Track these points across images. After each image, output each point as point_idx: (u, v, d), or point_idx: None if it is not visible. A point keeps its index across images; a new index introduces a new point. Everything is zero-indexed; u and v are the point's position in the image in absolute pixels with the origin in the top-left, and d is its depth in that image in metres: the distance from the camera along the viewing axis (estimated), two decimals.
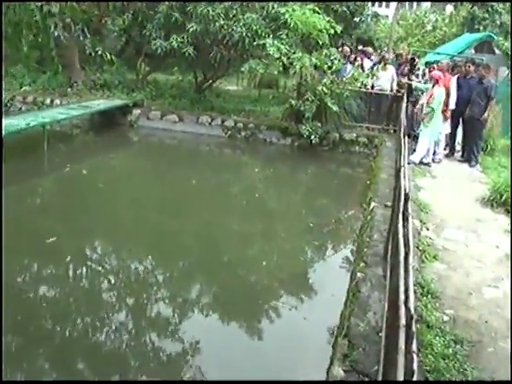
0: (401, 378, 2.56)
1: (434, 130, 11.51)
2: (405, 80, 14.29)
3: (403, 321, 2.98)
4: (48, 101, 16.60)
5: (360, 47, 20.25)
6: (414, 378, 2.51)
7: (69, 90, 17.42)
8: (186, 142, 16.11)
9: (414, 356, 2.59)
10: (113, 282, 7.42)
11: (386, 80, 15.05)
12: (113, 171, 12.81)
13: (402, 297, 3.27)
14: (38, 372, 5.34)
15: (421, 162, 11.51)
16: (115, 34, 19.39)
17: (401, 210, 4.83)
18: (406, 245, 4.00)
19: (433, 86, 11.48)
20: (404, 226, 4.39)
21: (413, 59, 14.72)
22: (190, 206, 10.47)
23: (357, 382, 4.37)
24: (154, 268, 7.92)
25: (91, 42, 14.84)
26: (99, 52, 13.55)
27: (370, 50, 17.41)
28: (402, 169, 6.51)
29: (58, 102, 16.47)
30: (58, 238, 8.22)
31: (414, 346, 2.72)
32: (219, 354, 5.71)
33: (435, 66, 12.76)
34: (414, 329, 2.83)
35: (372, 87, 15.24)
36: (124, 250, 8.52)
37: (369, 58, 16.52)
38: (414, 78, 13.54)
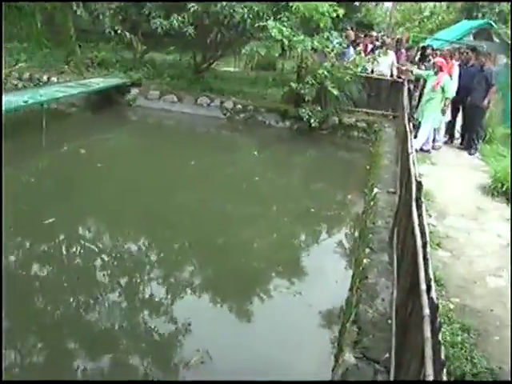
0: (430, 369, 2.56)
1: (437, 117, 11.51)
2: (410, 67, 14.24)
3: (427, 310, 2.98)
4: (45, 78, 16.42)
5: (364, 32, 20.10)
6: (444, 370, 2.52)
7: (66, 67, 17.21)
8: (185, 122, 16.02)
9: (442, 348, 2.60)
10: (108, 261, 7.42)
11: (386, 65, 15.02)
12: (111, 151, 12.73)
13: (423, 286, 3.28)
14: (28, 351, 5.34)
15: (421, 149, 11.50)
16: (111, 12, 19.11)
17: (414, 198, 4.82)
18: (423, 234, 4.00)
19: (435, 73, 11.42)
20: (419, 215, 4.38)
21: (424, 48, 14.65)
22: (188, 188, 10.44)
23: (357, 381, 4.38)
24: (148, 248, 7.93)
25: (90, 21, 14.65)
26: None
27: (374, 34, 17.32)
28: (411, 156, 6.49)
29: (54, 79, 16.29)
30: (56, 218, 8.16)
31: (441, 337, 2.73)
32: (223, 342, 5.65)
33: (438, 52, 12.74)
34: (439, 319, 2.83)
35: (372, 72, 15.21)
36: (120, 231, 8.51)
37: (372, 44, 16.47)
38: (422, 67, 13.46)
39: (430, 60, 13.41)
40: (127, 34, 14.20)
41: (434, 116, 11.44)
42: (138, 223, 8.62)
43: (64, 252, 7.64)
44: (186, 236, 8.42)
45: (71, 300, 6.31)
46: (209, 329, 5.88)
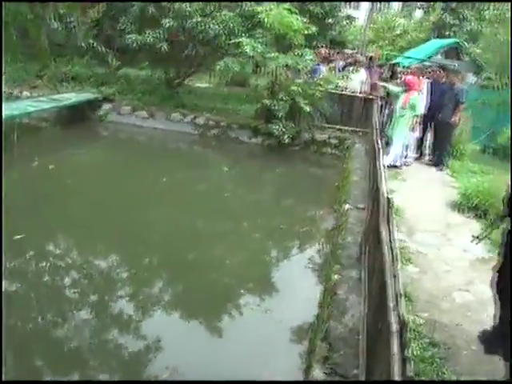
0: None
1: (407, 134, 11.67)
2: (382, 83, 14.44)
3: (395, 327, 3.00)
4: (17, 92, 16.28)
5: (336, 49, 20.36)
6: None
7: (38, 81, 17.09)
8: (157, 138, 15.96)
9: (412, 363, 2.62)
10: (77, 278, 7.31)
11: (357, 82, 15.23)
12: (81, 166, 12.60)
13: (391, 304, 3.30)
14: None
15: (393, 166, 11.63)
16: (85, 26, 19.07)
17: (384, 215, 4.86)
18: (392, 250, 4.03)
19: (405, 91, 11.58)
20: (389, 231, 4.42)
21: (393, 65, 14.86)
22: (159, 204, 10.38)
23: (356, 381, 4.40)
24: (118, 265, 7.88)
25: (64, 34, 14.61)
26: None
27: (348, 51, 17.54)
28: (381, 173, 6.55)
29: (27, 93, 16.16)
30: (25, 234, 8.04)
31: (409, 352, 2.75)
32: (192, 358, 5.62)
33: (408, 70, 12.94)
34: (407, 335, 2.85)
35: (345, 89, 15.41)
36: (90, 247, 8.38)
37: (344, 61, 16.69)
38: (390, 85, 13.64)
39: (400, 77, 13.60)
40: (102, 48, 14.18)
41: (404, 133, 11.59)
42: (108, 240, 8.55)
43: (33, 268, 7.54)
44: (157, 253, 8.37)
45: (39, 317, 6.25)
46: (179, 346, 5.86)
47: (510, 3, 20.33)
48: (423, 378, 4.52)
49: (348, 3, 25.90)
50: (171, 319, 6.55)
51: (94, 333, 6.01)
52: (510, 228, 4.62)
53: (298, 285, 7.49)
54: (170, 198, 10.82)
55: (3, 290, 6.58)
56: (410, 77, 11.94)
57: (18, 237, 7.90)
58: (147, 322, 6.41)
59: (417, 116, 11.51)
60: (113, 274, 7.61)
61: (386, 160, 11.18)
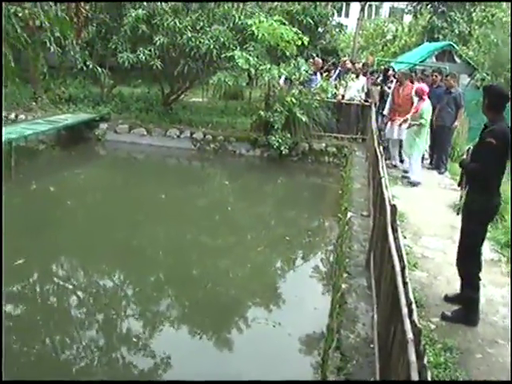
0: None
1: (423, 144, 11.28)
2: (376, 88, 14.49)
3: (410, 335, 2.97)
4: (12, 116, 16.27)
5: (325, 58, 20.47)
6: None
7: (33, 104, 17.10)
8: (155, 155, 15.96)
9: (428, 372, 2.59)
10: (83, 299, 7.30)
11: (355, 90, 15.30)
12: (80, 187, 12.58)
13: (404, 310, 3.27)
14: None
15: (393, 165, 11.64)
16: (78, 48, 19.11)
17: (389, 221, 4.83)
18: (401, 258, 4.00)
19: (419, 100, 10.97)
20: (395, 238, 4.39)
21: (387, 70, 14.85)
22: (160, 221, 10.35)
23: (359, 381, 4.36)
24: (123, 283, 7.85)
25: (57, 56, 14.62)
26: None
27: (348, 63, 17.56)
28: (383, 180, 6.54)
29: (22, 117, 16.15)
30: (26, 258, 7.97)
31: (426, 361, 2.71)
32: (203, 374, 5.54)
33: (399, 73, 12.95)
34: (423, 343, 2.82)
35: (342, 97, 15.47)
36: (93, 267, 8.34)
37: (342, 69, 16.77)
38: (386, 88, 13.65)
39: (392, 81, 13.61)
40: (98, 68, 14.26)
41: (420, 144, 11.05)
42: (111, 259, 8.51)
43: (38, 291, 7.49)
44: (161, 269, 8.35)
45: (47, 339, 6.21)
46: (188, 362, 5.80)
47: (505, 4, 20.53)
48: None
49: (337, 12, 25.89)
50: (179, 335, 6.50)
51: (101, 353, 5.97)
52: None
53: (305, 295, 7.45)
54: (173, 214, 10.78)
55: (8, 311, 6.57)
56: (422, 85, 11.61)
57: (20, 261, 7.83)
58: (156, 338, 6.36)
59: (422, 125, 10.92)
60: (117, 292, 7.58)
61: (415, 177, 11.03)
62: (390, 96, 12.52)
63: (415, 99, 11.20)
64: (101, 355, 5.92)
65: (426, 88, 11.27)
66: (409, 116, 11.26)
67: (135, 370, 5.69)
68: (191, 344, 6.26)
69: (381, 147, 9.25)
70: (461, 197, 5.90)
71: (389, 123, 12.33)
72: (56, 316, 6.81)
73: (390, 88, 13.23)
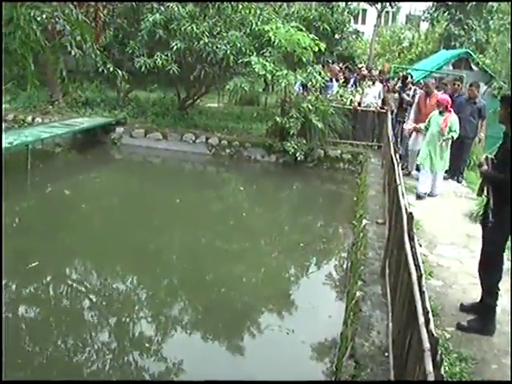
0: None
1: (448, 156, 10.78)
2: (392, 95, 14.44)
3: (427, 344, 2.94)
4: (29, 119, 16.42)
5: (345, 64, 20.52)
6: None
7: (50, 107, 17.24)
8: (170, 159, 16.02)
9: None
10: (97, 302, 7.31)
11: (372, 97, 15.28)
12: (96, 191, 12.65)
13: (421, 319, 3.24)
14: None
15: (408, 173, 11.59)
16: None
17: (406, 230, 4.80)
18: (417, 266, 3.97)
19: (441, 113, 10.25)
20: (412, 247, 4.36)
21: (405, 77, 14.72)
22: (175, 225, 10.38)
23: (360, 381, 4.32)
24: (137, 287, 7.84)
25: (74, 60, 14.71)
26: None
27: (364, 70, 17.58)
28: (400, 187, 6.50)
29: (39, 120, 16.28)
30: (41, 260, 8.03)
31: (443, 371, 2.68)
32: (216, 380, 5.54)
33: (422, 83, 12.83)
34: (439, 352, 2.79)
35: (359, 104, 15.44)
36: (107, 271, 8.38)
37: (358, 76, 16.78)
38: (404, 95, 13.52)
39: (410, 88, 13.52)
40: (119, 71, 14.42)
41: (447, 158, 10.67)
42: (125, 262, 8.52)
43: (51, 294, 7.51)
44: (175, 273, 8.37)
45: (59, 341, 6.21)
46: (200, 367, 5.80)
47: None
48: None
49: (353, 18, 25.95)
50: (192, 340, 6.47)
51: (115, 356, 5.96)
52: None
53: (319, 303, 7.41)
54: (187, 219, 10.80)
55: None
56: (444, 95, 10.85)
57: (33, 264, 7.88)
58: (168, 342, 6.37)
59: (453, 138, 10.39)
60: (131, 296, 7.58)
61: (435, 192, 10.81)
62: (415, 106, 12.06)
63: (436, 111, 10.45)
64: (112, 358, 5.91)
65: (448, 98, 10.65)
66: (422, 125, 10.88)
67: (146, 374, 5.69)
68: (204, 349, 6.25)
69: (397, 155, 9.21)
70: (482, 205, 5.83)
71: (413, 134, 11.82)
72: (69, 318, 6.81)
73: (408, 95, 13.14)
